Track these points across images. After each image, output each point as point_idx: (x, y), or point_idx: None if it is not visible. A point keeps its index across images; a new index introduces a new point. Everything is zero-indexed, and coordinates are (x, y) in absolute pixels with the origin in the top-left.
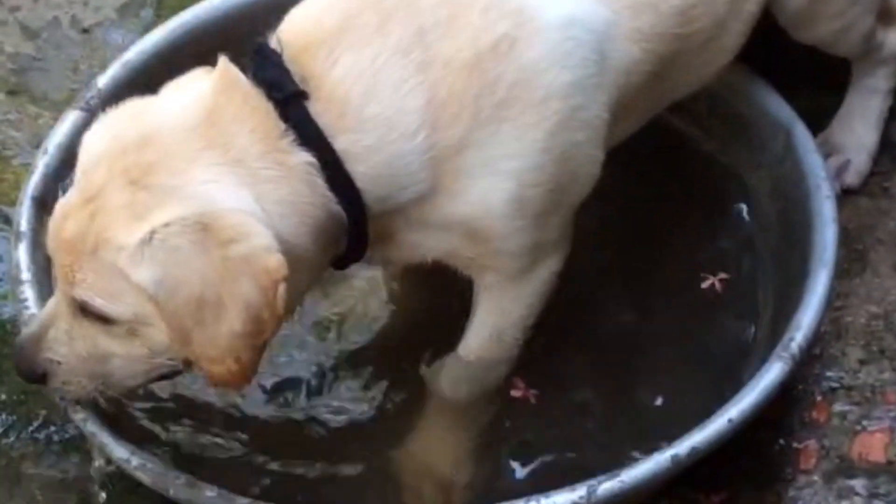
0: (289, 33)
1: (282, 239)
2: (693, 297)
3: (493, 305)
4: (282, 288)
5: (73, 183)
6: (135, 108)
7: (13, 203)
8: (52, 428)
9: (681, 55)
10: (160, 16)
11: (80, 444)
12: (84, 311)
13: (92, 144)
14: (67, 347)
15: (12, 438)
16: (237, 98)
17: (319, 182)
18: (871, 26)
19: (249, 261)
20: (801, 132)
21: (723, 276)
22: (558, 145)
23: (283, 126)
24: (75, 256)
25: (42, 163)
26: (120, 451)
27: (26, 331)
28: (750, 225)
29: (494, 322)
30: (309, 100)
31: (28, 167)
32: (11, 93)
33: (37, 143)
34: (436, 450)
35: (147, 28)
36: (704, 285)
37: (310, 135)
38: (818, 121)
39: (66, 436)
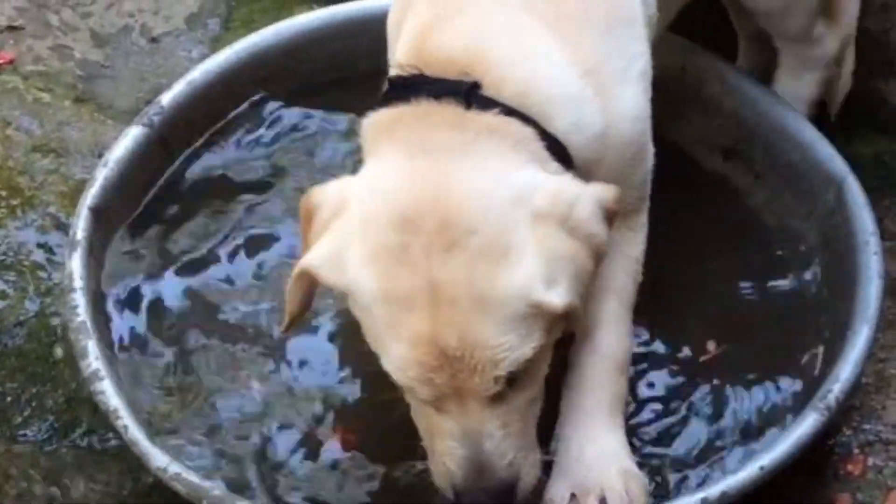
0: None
1: None
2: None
3: (626, 239)
4: None
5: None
6: (350, 223)
7: (70, 210)
8: (95, 436)
9: None
10: (228, 28)
11: (121, 454)
12: (497, 395)
13: (359, 279)
14: (509, 440)
15: (55, 445)
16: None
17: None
18: (817, 5)
19: (600, 207)
20: (852, 186)
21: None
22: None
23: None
24: (464, 354)
25: (101, 174)
26: (158, 460)
27: (472, 481)
28: (799, 273)
29: (632, 254)
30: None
31: (88, 174)
32: (78, 100)
33: (99, 152)
34: (607, 442)
35: (214, 39)
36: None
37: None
38: (876, 167)
39: (108, 445)
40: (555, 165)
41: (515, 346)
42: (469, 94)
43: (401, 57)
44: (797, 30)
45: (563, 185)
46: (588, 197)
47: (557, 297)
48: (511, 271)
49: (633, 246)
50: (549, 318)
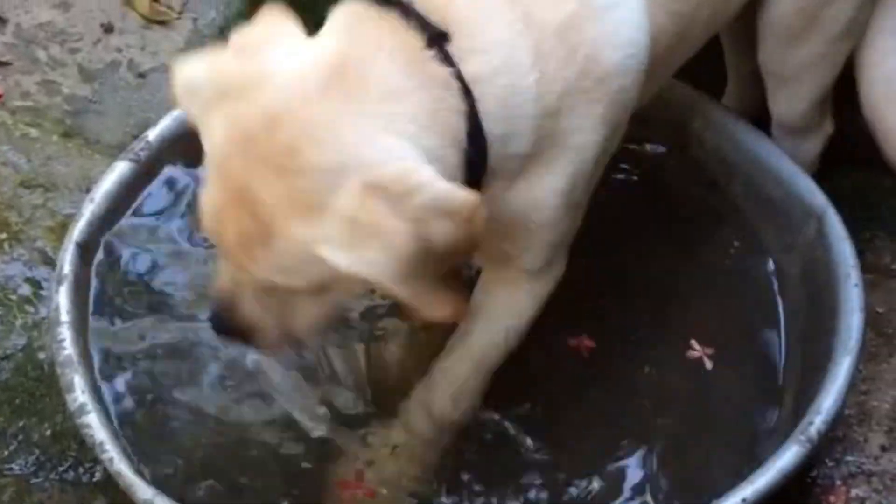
0: None
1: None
2: (715, 371)
3: (507, 302)
4: (480, 212)
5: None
6: (242, 81)
7: (57, 245)
8: (82, 469)
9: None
10: None
11: (107, 487)
12: (266, 287)
13: (213, 131)
14: (259, 313)
15: (41, 478)
16: (379, 37)
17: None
18: (827, 87)
19: (438, 206)
20: (833, 219)
21: (746, 352)
22: (610, 124)
23: (429, 55)
24: (245, 251)
25: (88, 210)
26: (143, 493)
27: (219, 297)
28: (778, 306)
29: (507, 321)
30: (450, 40)
31: (76, 209)
32: (66, 135)
33: (87, 187)
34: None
35: None
36: (726, 359)
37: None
38: (857, 200)
39: (95, 478)
40: (455, 159)
41: (289, 276)
42: (437, 39)
43: None
44: (806, 105)
45: (417, 171)
46: (434, 192)
47: (348, 262)
48: (306, 227)
49: (513, 312)
50: (338, 277)
